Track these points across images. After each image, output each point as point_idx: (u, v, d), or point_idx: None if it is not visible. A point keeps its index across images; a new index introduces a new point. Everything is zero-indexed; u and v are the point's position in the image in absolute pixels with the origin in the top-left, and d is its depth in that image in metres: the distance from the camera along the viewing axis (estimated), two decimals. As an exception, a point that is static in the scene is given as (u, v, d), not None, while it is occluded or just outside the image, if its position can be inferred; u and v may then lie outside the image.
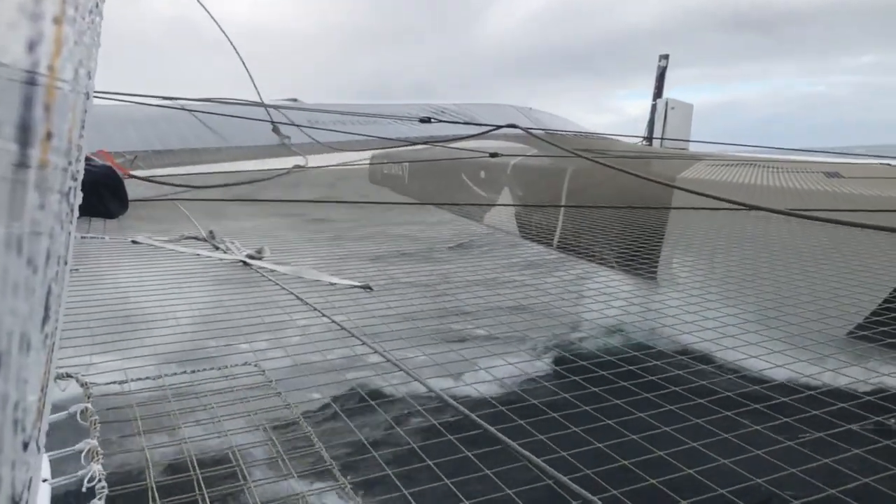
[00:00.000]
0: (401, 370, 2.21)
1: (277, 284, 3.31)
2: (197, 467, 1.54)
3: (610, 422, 1.92)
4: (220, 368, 2.13)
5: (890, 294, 2.92)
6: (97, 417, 1.51)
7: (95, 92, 0.71)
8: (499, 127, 7.47)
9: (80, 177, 0.70)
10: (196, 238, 4.47)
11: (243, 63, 8.38)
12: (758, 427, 1.91)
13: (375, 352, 2.41)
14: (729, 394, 2.11)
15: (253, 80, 8.71)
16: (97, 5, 0.71)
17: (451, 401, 2.01)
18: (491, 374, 2.36)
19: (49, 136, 0.61)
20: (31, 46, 0.58)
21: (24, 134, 0.56)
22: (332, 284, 3.31)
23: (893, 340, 2.50)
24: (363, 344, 2.46)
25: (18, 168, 0.56)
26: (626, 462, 1.69)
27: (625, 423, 1.91)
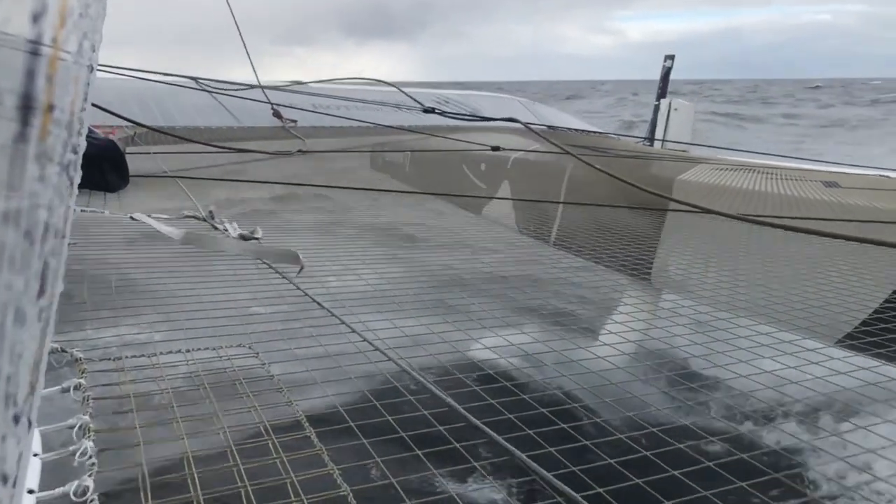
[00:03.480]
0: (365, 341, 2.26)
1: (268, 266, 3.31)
2: (188, 445, 1.54)
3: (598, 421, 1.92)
4: (214, 349, 2.13)
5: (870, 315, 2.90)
6: (90, 394, 1.50)
7: (99, 65, 0.70)
8: (498, 120, 7.45)
9: (81, 150, 0.69)
10: (196, 217, 4.45)
11: (244, 43, 8.30)
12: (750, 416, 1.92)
13: (343, 323, 2.44)
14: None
15: (252, 62, 8.62)
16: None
17: (418, 375, 2.01)
18: (470, 354, 2.39)
19: (51, 108, 0.60)
20: (36, 17, 0.57)
21: (26, 105, 0.56)
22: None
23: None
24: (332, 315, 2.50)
25: (19, 139, 0.55)
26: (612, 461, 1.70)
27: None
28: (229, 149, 6.66)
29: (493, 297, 3.13)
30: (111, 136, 5.39)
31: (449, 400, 1.93)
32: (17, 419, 0.66)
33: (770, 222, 4.31)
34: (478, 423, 1.80)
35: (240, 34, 8.20)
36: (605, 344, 2.54)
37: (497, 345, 2.43)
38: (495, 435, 1.76)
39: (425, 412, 1.85)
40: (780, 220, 4.31)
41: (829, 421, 2.00)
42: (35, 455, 1.17)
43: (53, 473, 1.24)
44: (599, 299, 3.27)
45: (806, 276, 3.49)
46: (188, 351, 2.09)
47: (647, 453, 1.72)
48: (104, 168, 4.66)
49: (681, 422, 1.93)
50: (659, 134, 11.91)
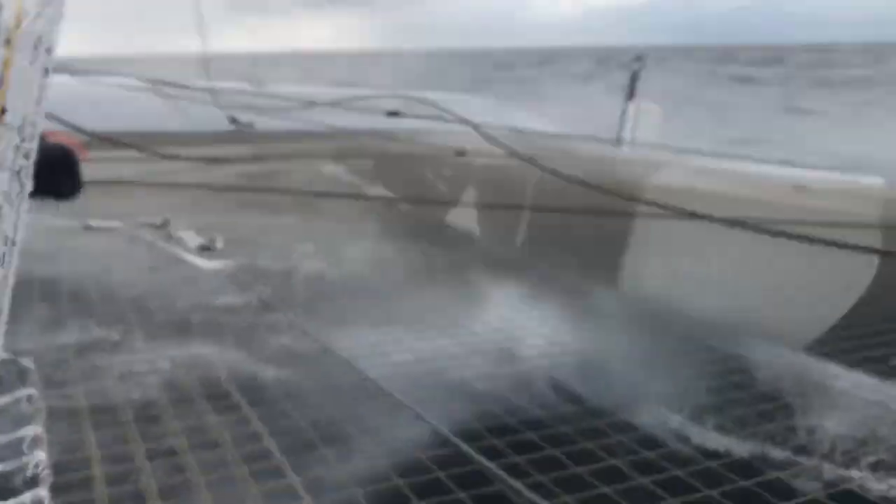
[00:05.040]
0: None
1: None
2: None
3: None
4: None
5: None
6: (43, 404, 1.46)
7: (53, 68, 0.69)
8: (462, 123, 7.43)
9: (33, 155, 0.68)
10: (152, 225, 4.38)
11: (204, 50, 8.15)
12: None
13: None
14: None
15: (208, 67, 8.49)
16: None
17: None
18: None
19: (2, 111, 0.59)
20: (-12, 18, 0.56)
21: (-23, 108, 0.55)
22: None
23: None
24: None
25: (-30, 143, 0.54)
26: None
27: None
28: (175, 157, 6.47)
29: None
30: (64, 142, 5.23)
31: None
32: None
33: (754, 225, 4.24)
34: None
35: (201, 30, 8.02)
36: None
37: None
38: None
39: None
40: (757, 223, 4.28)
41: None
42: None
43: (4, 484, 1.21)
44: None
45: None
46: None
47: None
48: (56, 175, 4.52)
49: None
50: (627, 137, 11.99)
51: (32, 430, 1.28)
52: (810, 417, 2.03)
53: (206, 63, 8.49)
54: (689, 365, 2.43)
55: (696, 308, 3.13)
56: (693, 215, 4.24)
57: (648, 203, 4.67)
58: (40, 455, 1.23)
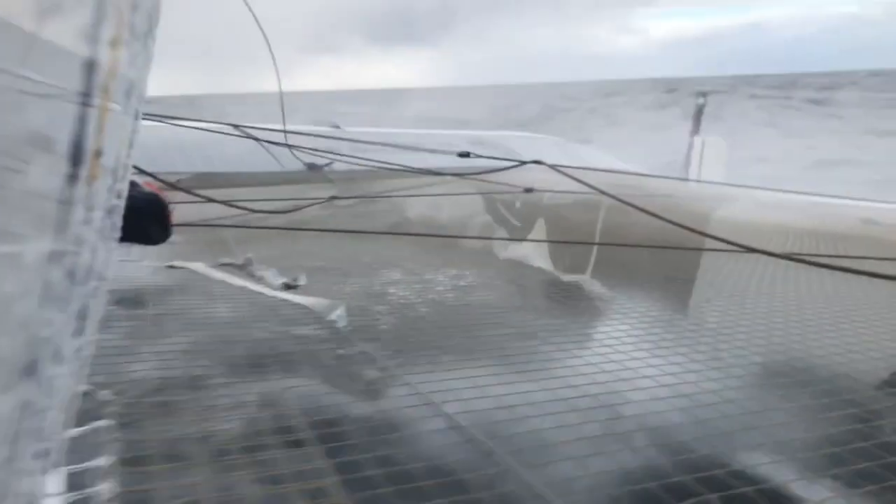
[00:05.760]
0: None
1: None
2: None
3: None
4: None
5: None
6: (117, 435, 1.52)
7: (144, 114, 0.74)
8: (524, 163, 7.46)
9: (125, 195, 0.72)
10: (233, 264, 4.56)
11: (281, 94, 8.52)
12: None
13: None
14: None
15: (283, 113, 8.85)
16: (151, 29, 0.73)
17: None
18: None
19: (98, 154, 0.63)
20: (89, 69, 0.60)
21: (76, 151, 0.59)
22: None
23: None
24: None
25: (68, 183, 0.58)
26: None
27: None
28: (251, 209, 6.75)
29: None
30: (154, 190, 5.53)
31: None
32: (42, 455, 0.67)
33: (814, 261, 4.17)
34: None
35: (278, 78, 8.39)
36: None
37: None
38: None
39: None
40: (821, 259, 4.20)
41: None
42: (58, 494, 1.18)
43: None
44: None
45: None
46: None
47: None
48: (146, 221, 4.77)
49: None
50: (693, 171, 11.79)
51: (104, 460, 1.33)
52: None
53: (282, 105, 8.87)
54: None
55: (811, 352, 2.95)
56: (786, 257, 4.10)
57: (729, 242, 4.53)
58: (110, 486, 1.27)
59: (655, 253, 4.96)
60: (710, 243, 4.80)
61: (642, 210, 5.20)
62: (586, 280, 4.64)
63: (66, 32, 0.60)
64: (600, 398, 2.28)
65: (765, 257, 4.29)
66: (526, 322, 3.46)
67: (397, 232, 6.32)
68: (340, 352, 2.74)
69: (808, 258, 4.18)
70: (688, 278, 4.46)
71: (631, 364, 2.67)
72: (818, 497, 1.73)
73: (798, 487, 1.76)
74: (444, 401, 2.17)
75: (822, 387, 2.50)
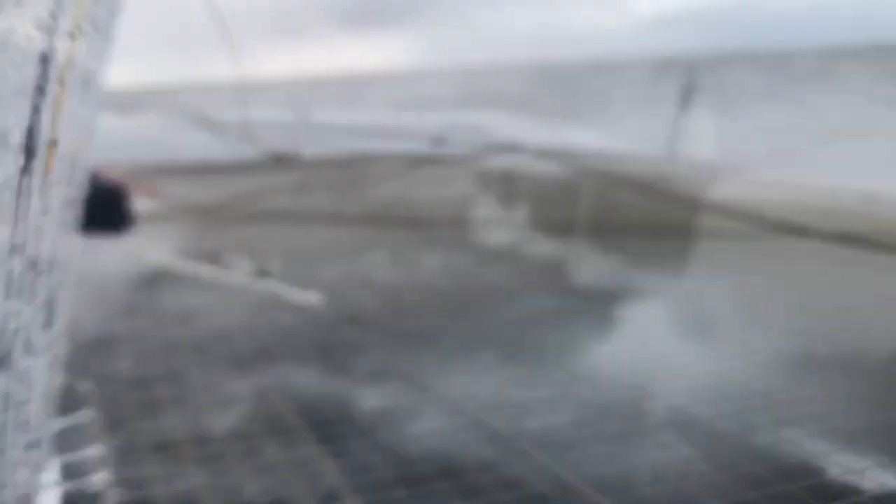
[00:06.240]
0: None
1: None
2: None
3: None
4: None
5: None
6: (106, 424, 1.51)
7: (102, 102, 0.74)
8: (501, 148, 7.46)
9: (85, 186, 0.72)
10: (205, 255, 4.51)
11: (244, 83, 8.39)
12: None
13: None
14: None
15: (247, 104, 8.73)
16: (112, 20, 0.73)
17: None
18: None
19: (55, 143, 0.63)
20: (45, 58, 0.60)
21: (31, 141, 0.59)
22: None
23: None
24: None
25: (24, 173, 0.58)
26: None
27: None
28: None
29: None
30: (115, 179, 5.45)
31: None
32: (35, 445, 0.67)
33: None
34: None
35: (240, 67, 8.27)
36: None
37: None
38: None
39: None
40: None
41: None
42: (53, 484, 1.18)
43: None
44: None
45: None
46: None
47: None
48: (108, 210, 4.70)
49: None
50: (681, 150, 11.78)
51: (96, 449, 1.33)
52: None
53: (243, 92, 8.72)
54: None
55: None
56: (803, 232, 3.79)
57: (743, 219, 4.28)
58: (103, 475, 1.27)
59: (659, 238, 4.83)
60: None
61: (642, 188, 5.09)
62: (571, 261, 4.64)
63: (22, 22, 0.60)
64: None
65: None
66: (519, 306, 3.39)
67: (364, 218, 6.28)
68: (319, 338, 2.74)
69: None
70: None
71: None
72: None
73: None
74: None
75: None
